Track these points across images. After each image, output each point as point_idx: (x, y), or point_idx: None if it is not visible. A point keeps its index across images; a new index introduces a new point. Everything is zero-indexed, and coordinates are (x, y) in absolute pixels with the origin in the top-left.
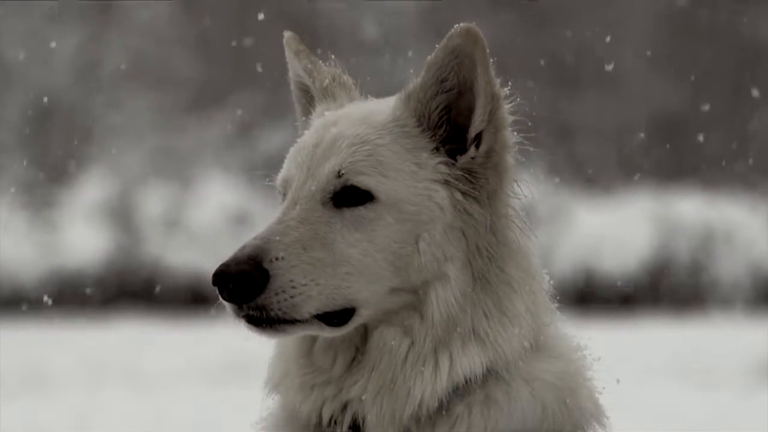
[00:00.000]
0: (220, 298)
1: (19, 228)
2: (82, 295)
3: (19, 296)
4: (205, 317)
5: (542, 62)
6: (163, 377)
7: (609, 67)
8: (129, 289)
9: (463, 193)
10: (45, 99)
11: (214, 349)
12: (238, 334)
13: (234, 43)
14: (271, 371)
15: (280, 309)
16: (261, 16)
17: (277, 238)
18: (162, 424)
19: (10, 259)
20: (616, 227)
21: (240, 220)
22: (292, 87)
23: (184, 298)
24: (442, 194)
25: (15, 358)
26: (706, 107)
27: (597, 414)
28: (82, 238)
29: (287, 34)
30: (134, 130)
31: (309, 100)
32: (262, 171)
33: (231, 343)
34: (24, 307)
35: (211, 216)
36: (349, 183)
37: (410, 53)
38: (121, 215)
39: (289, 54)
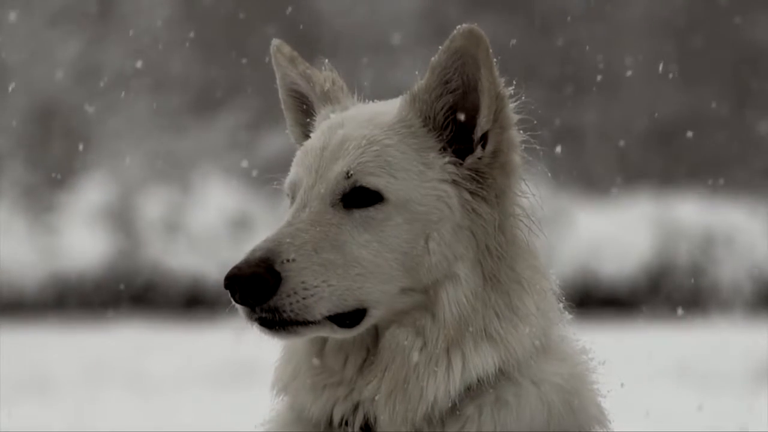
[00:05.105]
0: (233, 301)
1: (19, 231)
2: (83, 298)
3: (20, 300)
4: (205, 320)
5: (543, 65)
6: (163, 380)
7: (610, 71)
8: (129, 293)
9: (472, 193)
10: (45, 102)
11: (214, 352)
12: (239, 336)
13: (234, 47)
14: (279, 373)
15: (292, 311)
16: (261, 20)
17: (288, 240)
18: (163, 427)
19: (11, 263)
20: (616, 230)
21: (240, 223)
22: (283, 95)
23: (184, 302)
24: (450, 194)
25: (15, 361)
26: (706, 111)
27: (600, 418)
28: (82, 242)
29: (276, 42)
30: (134, 134)
31: (307, 106)
32: (269, 175)
33: (232, 346)
34: (24, 311)
35: (212, 219)
36: (359, 184)
37: (410, 56)
38: (121, 219)
39: (282, 61)
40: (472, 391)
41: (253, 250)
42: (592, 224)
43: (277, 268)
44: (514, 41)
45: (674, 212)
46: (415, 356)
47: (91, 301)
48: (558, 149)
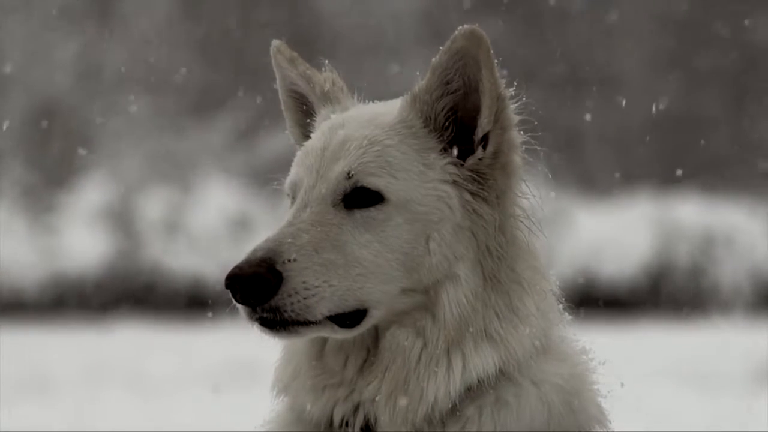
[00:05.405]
0: (233, 301)
1: (19, 232)
2: (83, 298)
3: (20, 300)
4: (205, 321)
5: (542, 66)
6: (163, 381)
7: (610, 71)
8: (129, 293)
9: (472, 194)
10: (45, 103)
11: (214, 353)
12: (239, 337)
13: (234, 47)
14: (279, 373)
15: (293, 311)
16: (261, 21)
17: (289, 240)
18: (163, 427)
19: (11, 263)
20: (616, 231)
21: (240, 223)
22: (283, 96)
23: (184, 302)
24: (451, 194)
25: (15, 361)
26: (706, 111)
27: (601, 418)
28: (82, 242)
29: (276, 43)
30: (134, 134)
31: (306, 107)
32: (269, 175)
33: (231, 347)
34: (24, 311)
35: (212, 220)
36: (360, 184)
37: (409, 56)
38: (121, 219)
39: (282, 61)
40: (473, 392)
41: (254, 250)
42: (592, 225)
43: (279, 267)
44: (514, 42)
45: (674, 213)
46: (416, 357)
47: (91, 301)
48: (557, 151)
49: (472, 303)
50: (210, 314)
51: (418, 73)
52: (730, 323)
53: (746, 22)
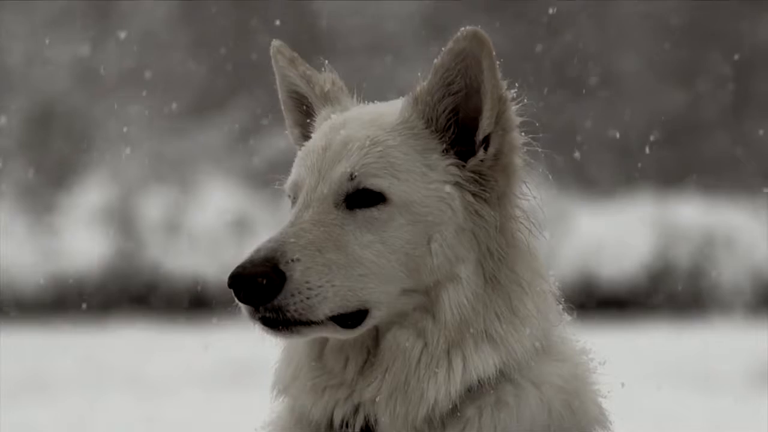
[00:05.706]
0: (236, 300)
1: (19, 232)
2: (83, 299)
3: (20, 300)
4: (205, 322)
5: (543, 66)
6: (163, 382)
7: (610, 72)
8: (129, 294)
9: (474, 195)
10: (46, 103)
11: (214, 354)
12: (239, 337)
13: (234, 48)
14: (279, 374)
15: (296, 310)
16: (261, 21)
17: (292, 240)
18: (162, 429)
19: (11, 264)
20: (616, 232)
21: (240, 224)
22: (283, 96)
23: (184, 303)
24: (453, 195)
25: (15, 361)
26: (706, 112)
27: (601, 418)
28: (82, 243)
29: (276, 43)
30: (134, 135)
31: (306, 107)
32: (269, 175)
33: (231, 348)
34: (24, 312)
35: (212, 221)
36: (363, 186)
37: (409, 57)
38: (121, 220)
39: (282, 62)
40: (473, 393)
41: (257, 250)
42: (592, 225)
43: (282, 267)
44: (514, 42)
45: (674, 213)
46: (416, 357)
47: (91, 302)
48: (557, 151)
49: (472, 304)
50: (214, 317)
51: (419, 74)
52: (730, 323)
53: (747, 21)
